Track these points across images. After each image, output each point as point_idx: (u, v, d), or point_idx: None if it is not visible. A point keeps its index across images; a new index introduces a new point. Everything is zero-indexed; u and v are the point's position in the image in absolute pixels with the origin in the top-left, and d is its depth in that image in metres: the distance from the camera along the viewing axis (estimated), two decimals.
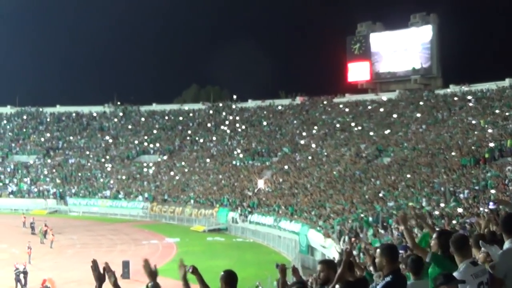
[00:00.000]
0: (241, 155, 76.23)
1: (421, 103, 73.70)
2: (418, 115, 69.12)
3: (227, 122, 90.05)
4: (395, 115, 72.12)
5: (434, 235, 7.89)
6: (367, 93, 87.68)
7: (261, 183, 63.21)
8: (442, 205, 35.77)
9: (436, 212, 32.45)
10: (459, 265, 6.43)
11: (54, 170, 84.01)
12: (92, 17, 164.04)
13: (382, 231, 33.57)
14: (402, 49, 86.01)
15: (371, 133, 68.69)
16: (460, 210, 31.83)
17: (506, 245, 6.89)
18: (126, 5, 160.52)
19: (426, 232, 10.70)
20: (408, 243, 8.78)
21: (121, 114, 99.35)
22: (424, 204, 37.85)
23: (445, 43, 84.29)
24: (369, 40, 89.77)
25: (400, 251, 8.69)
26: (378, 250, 7.10)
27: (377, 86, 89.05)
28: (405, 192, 43.93)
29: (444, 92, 75.32)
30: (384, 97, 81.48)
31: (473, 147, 49.58)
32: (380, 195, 45.49)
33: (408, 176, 48.40)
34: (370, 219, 38.46)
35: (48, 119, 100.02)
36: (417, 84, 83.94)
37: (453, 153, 49.94)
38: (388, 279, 6.61)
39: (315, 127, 77.96)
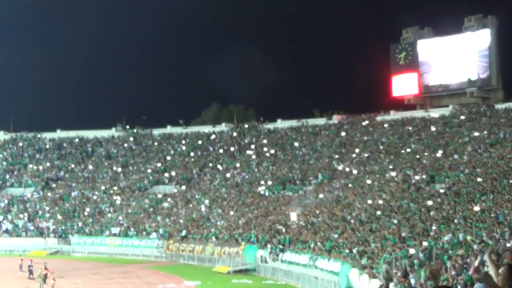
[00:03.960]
0: (269, 184, 76.39)
1: (479, 120, 73.43)
2: (476, 134, 68.75)
3: (253, 146, 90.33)
4: (448, 135, 71.90)
5: (502, 269, 8.06)
6: (415, 110, 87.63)
7: (294, 216, 63.20)
8: (507, 240, 35.47)
9: (508, 245, 32.13)
10: None
11: (54, 205, 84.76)
12: (98, 30, 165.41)
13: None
14: (456, 57, 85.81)
15: (421, 156, 68.49)
16: None
17: None
18: (136, 15, 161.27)
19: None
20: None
21: (131, 138, 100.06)
22: (484, 238, 37.61)
23: (506, 49, 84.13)
24: (417, 48, 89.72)
25: None
26: None
27: (426, 101, 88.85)
28: (462, 224, 43.68)
29: (506, 106, 74.95)
30: (435, 113, 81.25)
31: None
32: (433, 227, 45.30)
33: (465, 205, 48.11)
34: (421, 256, 38.30)
35: (47, 146, 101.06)
36: (473, 98, 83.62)
37: None
38: None
39: (356, 150, 77.83)
